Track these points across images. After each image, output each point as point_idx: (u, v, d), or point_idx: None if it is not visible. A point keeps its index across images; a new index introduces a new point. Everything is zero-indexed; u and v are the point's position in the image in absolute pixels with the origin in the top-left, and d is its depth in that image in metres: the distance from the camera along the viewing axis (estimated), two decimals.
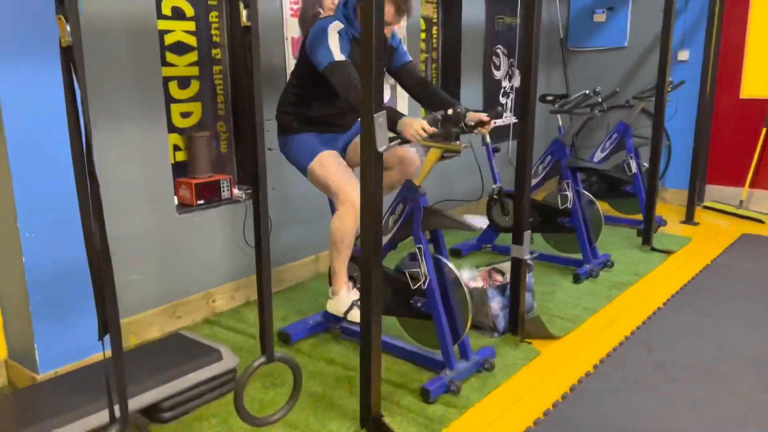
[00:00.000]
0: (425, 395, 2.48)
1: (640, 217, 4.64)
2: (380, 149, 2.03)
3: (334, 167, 2.79)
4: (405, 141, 2.45)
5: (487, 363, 2.72)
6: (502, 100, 5.49)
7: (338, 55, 2.59)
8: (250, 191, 3.53)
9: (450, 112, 2.42)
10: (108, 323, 1.42)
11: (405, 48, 3.01)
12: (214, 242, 3.34)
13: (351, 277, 2.97)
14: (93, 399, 2.14)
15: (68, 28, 1.15)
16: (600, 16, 5.84)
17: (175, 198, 3.23)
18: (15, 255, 2.40)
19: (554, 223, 3.95)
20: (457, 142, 2.45)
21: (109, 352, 1.52)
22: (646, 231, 4.36)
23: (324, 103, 2.85)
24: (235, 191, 3.45)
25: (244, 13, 1.58)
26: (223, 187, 3.35)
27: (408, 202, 2.66)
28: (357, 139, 2.95)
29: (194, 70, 3.34)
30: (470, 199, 5.08)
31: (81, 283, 2.52)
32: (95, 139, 2.66)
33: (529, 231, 2.96)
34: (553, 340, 3.05)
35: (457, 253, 4.27)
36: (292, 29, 3.54)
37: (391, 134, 2.32)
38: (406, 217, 2.68)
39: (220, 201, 3.35)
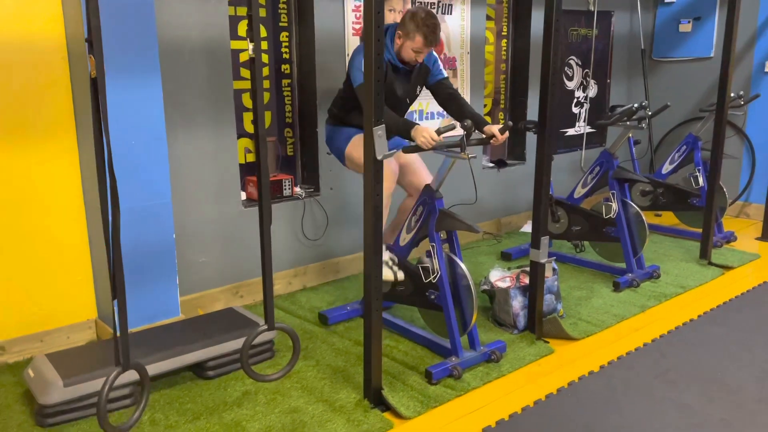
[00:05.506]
0: (429, 377, 2.77)
1: None
2: (379, 157, 2.37)
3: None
4: (418, 147, 2.77)
5: (495, 355, 2.96)
6: (575, 110, 5.58)
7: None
8: (310, 190, 3.99)
9: (458, 125, 2.70)
10: (117, 290, 1.87)
11: (441, 66, 3.31)
12: (275, 234, 3.79)
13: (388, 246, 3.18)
14: (146, 353, 2.65)
15: (95, 64, 1.60)
16: (686, 26, 5.74)
17: (243, 194, 3.74)
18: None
19: (600, 231, 4.05)
20: (466, 152, 2.72)
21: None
22: (704, 244, 4.33)
23: (360, 114, 3.22)
24: (296, 189, 3.91)
25: (250, 47, 1.98)
26: (285, 185, 3.82)
27: (426, 205, 2.96)
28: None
29: (265, 84, 3.84)
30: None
31: (152, 261, 3.07)
32: (175, 142, 3.24)
33: (547, 237, 3.16)
34: (571, 342, 3.21)
35: (507, 257, 4.47)
36: (353, 46, 3.93)
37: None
38: (424, 218, 2.99)
39: (282, 197, 3.82)
